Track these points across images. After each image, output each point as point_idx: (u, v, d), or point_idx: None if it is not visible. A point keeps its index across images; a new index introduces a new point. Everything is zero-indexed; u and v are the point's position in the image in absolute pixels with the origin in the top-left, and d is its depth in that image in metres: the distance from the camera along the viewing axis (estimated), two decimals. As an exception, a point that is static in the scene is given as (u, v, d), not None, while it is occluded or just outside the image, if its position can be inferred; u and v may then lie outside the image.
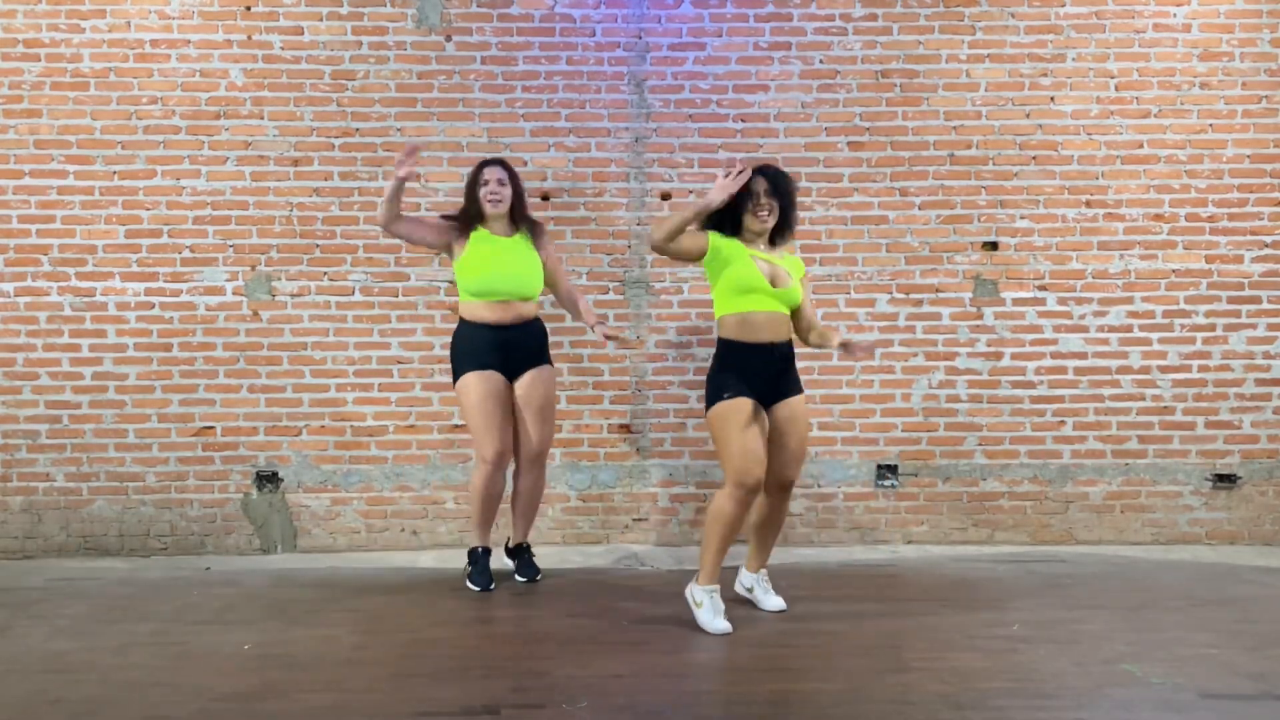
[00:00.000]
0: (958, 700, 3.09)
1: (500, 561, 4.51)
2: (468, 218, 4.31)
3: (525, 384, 4.29)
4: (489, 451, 4.20)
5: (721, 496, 3.69)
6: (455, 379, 4.30)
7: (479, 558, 4.34)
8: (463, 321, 4.30)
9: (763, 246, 3.78)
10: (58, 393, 4.88)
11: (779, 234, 3.81)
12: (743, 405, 3.65)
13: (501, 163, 4.36)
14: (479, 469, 4.25)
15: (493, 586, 4.28)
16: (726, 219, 3.72)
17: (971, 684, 3.21)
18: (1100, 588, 4.29)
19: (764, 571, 4.03)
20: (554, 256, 4.44)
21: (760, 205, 3.70)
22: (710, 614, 3.73)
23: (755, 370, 3.71)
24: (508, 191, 4.28)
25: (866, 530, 5.05)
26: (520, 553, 4.50)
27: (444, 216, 4.42)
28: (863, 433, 5.01)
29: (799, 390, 3.83)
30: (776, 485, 3.82)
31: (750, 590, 4.03)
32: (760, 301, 3.69)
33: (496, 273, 4.22)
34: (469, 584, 4.30)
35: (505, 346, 4.24)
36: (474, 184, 4.30)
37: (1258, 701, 3.09)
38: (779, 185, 3.74)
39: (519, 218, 4.33)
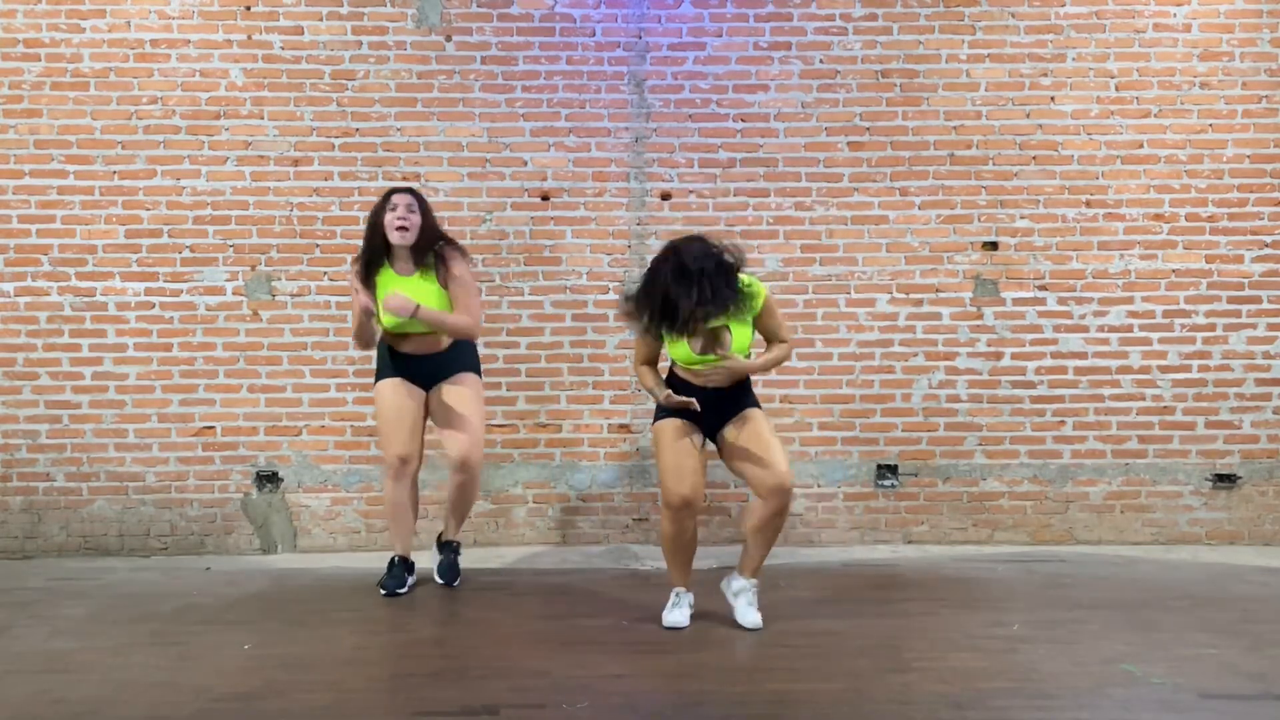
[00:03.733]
0: (958, 700, 3.09)
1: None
2: (372, 252, 4.14)
3: (436, 396, 4.23)
4: (389, 455, 4.19)
5: (661, 514, 3.81)
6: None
7: (391, 564, 4.26)
8: (383, 333, 4.24)
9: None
10: (58, 393, 4.88)
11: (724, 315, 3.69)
12: (669, 426, 3.76)
13: (412, 191, 4.20)
14: (385, 474, 4.25)
15: (401, 591, 4.19)
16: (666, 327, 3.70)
17: (971, 684, 3.21)
18: (1100, 588, 4.29)
19: (754, 582, 3.83)
20: (461, 282, 4.15)
21: (694, 335, 3.65)
22: (667, 609, 3.83)
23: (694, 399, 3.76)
24: (416, 220, 4.09)
25: (866, 530, 5.04)
26: (445, 548, 4.39)
27: (355, 260, 4.24)
28: (863, 433, 5.01)
29: (744, 407, 3.79)
30: (765, 492, 3.72)
31: (736, 596, 3.84)
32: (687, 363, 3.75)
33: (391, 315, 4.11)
34: (379, 588, 4.22)
35: (408, 370, 4.21)
36: (380, 210, 4.13)
37: (1258, 701, 3.09)
38: (707, 297, 3.60)
39: (423, 251, 4.12)
